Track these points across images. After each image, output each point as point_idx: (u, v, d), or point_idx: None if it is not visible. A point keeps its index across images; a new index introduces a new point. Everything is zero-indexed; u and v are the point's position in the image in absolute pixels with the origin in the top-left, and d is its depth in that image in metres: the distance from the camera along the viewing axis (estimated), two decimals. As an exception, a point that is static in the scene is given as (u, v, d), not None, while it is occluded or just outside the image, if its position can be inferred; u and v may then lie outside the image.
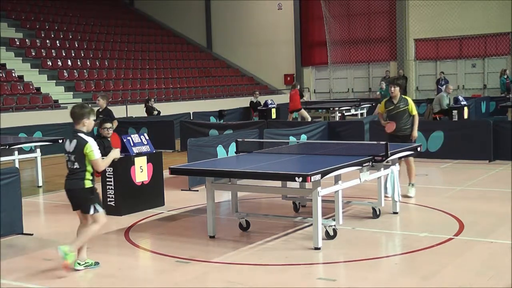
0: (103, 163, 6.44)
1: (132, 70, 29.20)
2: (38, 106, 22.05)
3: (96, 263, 6.58)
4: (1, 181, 7.76)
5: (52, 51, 27.17)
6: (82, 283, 6.23)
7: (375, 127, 14.10)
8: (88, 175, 6.34)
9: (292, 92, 20.55)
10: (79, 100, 23.98)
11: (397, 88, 9.76)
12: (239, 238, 7.79)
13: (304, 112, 20.31)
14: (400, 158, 8.95)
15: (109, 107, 13.65)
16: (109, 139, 10.15)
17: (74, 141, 6.29)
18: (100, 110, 13.27)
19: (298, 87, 21.00)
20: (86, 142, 6.24)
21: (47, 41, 27.94)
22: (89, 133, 6.49)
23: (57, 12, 31.93)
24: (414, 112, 9.88)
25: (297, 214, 8.99)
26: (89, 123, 6.39)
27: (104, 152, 9.83)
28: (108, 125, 10.26)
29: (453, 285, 5.79)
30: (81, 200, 6.37)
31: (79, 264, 6.48)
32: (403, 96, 9.95)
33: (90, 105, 7.03)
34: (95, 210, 6.38)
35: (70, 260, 6.25)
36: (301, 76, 34.10)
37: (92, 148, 6.24)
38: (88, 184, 6.34)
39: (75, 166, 6.31)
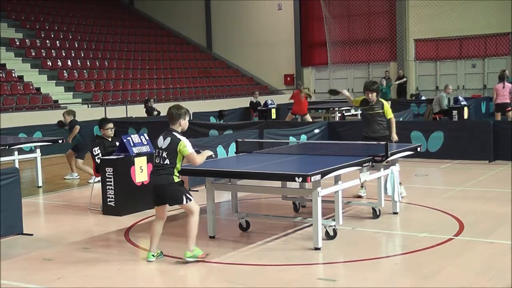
0: (199, 158, 6.66)
1: (132, 70, 29.20)
2: (38, 106, 22.05)
3: (161, 253, 6.90)
4: (1, 181, 7.74)
5: (52, 51, 27.17)
6: (82, 283, 6.23)
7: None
8: (176, 172, 6.60)
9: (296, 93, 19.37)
10: (79, 100, 24.03)
11: (374, 94, 9.72)
12: (239, 238, 7.79)
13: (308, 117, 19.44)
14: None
15: (74, 120, 13.28)
16: (109, 139, 10.15)
17: (168, 139, 6.58)
18: (66, 123, 13.20)
19: (302, 87, 19.94)
20: (179, 140, 6.55)
21: (47, 41, 27.94)
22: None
23: (57, 12, 31.94)
24: (390, 115, 9.79)
25: (297, 214, 8.99)
26: (184, 123, 6.73)
27: (104, 152, 9.88)
28: (111, 125, 10.27)
29: (453, 285, 5.79)
30: (173, 193, 6.58)
31: (153, 256, 6.75)
32: (380, 99, 9.90)
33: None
34: (188, 199, 6.58)
35: (197, 253, 6.59)
36: (301, 77, 34.10)
37: (185, 144, 6.54)
38: (176, 179, 6.59)
39: (165, 162, 6.56)
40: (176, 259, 6.82)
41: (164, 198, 6.66)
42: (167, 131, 6.70)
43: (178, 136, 6.60)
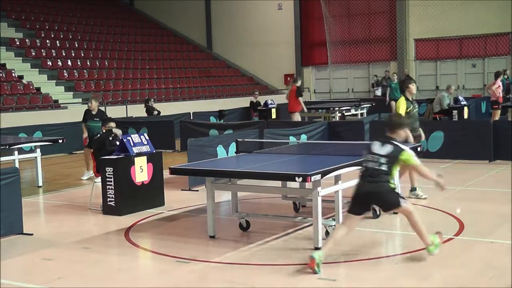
0: (429, 172, 6.60)
1: (132, 70, 29.20)
2: (38, 106, 22.06)
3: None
4: (1, 181, 7.76)
5: (52, 51, 27.17)
6: (82, 283, 6.23)
7: (375, 127, 14.10)
8: (391, 179, 6.43)
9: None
10: (79, 100, 24.02)
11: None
12: (239, 238, 7.79)
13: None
14: None
15: (100, 108, 13.61)
16: (110, 138, 10.16)
17: (389, 146, 6.41)
18: (94, 113, 13.27)
19: (299, 83, 19.54)
20: (402, 149, 6.41)
21: (47, 41, 27.94)
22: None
23: (57, 12, 31.94)
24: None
25: (297, 214, 8.98)
26: (404, 135, 6.64)
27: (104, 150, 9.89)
28: (113, 124, 10.34)
29: (453, 285, 5.79)
30: (391, 198, 6.45)
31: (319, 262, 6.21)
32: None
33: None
34: (404, 200, 6.50)
35: (436, 240, 6.58)
36: (301, 76, 34.11)
37: (410, 153, 6.41)
38: (392, 185, 6.45)
39: (382, 168, 6.36)
40: (176, 258, 6.82)
41: (378, 204, 6.78)
42: (385, 138, 6.53)
43: (400, 145, 6.43)
